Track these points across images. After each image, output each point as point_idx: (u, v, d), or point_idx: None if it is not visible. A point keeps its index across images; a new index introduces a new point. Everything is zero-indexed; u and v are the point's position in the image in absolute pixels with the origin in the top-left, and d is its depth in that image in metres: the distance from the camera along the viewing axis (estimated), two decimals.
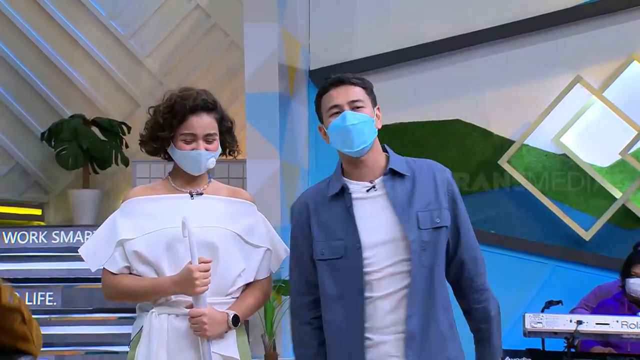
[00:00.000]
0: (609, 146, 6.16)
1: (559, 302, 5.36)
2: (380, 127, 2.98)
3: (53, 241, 6.21)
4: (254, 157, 6.08)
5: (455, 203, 2.96)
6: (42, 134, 7.35)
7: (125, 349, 3.29)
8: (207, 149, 3.17)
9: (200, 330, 3.05)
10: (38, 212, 7.36)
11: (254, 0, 6.18)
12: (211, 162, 3.20)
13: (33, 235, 6.22)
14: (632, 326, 4.70)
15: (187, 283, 3.03)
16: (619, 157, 6.16)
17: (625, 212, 6.17)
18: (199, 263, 3.04)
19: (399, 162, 2.97)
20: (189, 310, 3.08)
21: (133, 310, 3.27)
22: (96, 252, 3.20)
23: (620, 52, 6.20)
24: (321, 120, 3.01)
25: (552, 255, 6.23)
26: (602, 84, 6.20)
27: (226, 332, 3.12)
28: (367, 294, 2.85)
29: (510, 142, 6.32)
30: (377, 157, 2.97)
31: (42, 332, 2.45)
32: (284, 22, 6.25)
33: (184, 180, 3.23)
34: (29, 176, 7.72)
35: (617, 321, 4.72)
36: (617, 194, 6.15)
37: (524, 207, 6.33)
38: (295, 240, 3.00)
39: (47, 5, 7.66)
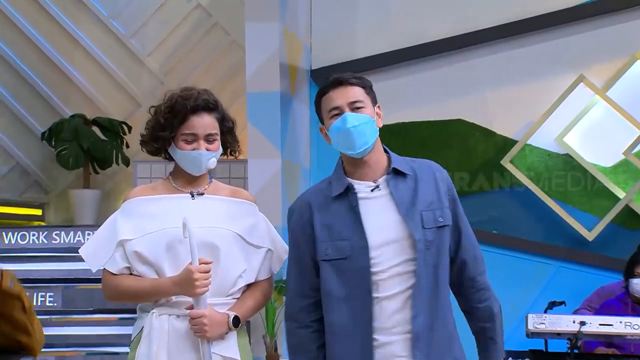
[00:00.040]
0: (613, 146, 6.15)
1: (562, 302, 5.35)
2: (381, 125, 2.96)
3: (53, 241, 6.19)
4: (255, 157, 6.07)
5: (455, 203, 2.97)
6: (43, 133, 7.33)
7: (126, 349, 3.28)
8: (208, 149, 3.16)
9: (200, 332, 3.04)
10: (38, 212, 7.35)
11: (256, 0, 6.17)
12: (212, 162, 3.18)
13: (33, 235, 6.20)
14: (636, 327, 4.70)
15: (187, 284, 3.01)
16: (623, 156, 6.14)
17: (628, 212, 6.16)
18: (200, 264, 3.02)
19: (401, 162, 2.96)
20: (189, 311, 3.06)
21: (133, 311, 3.26)
22: (97, 252, 3.19)
23: (623, 52, 6.19)
24: (322, 121, 2.99)
25: (555, 255, 6.22)
26: (605, 83, 6.19)
27: (227, 333, 3.10)
28: (373, 295, 2.83)
29: (513, 142, 6.31)
30: (379, 157, 2.95)
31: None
32: (285, 21, 6.24)
33: (185, 180, 3.22)
34: (29, 176, 7.71)
35: (621, 322, 4.71)
36: (621, 194, 6.13)
37: (527, 207, 6.31)
38: (296, 241, 2.97)
39: (47, 4, 7.65)
